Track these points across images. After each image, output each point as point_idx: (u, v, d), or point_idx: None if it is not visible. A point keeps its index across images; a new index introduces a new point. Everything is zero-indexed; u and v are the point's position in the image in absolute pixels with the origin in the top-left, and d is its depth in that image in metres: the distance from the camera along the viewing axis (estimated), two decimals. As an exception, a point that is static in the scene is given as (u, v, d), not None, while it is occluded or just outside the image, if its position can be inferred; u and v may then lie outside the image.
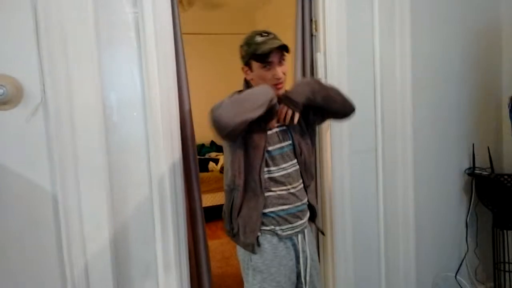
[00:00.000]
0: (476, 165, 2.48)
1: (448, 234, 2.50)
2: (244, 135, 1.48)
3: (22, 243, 1.57)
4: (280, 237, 1.54)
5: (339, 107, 1.63)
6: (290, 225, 1.56)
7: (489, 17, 2.52)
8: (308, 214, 1.66)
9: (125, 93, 1.71)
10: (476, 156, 2.48)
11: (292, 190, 1.56)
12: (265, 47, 1.48)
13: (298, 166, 1.61)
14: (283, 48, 1.52)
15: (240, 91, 1.57)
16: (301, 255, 1.59)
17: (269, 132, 1.54)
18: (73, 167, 1.59)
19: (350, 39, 2.10)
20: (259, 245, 1.53)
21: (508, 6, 2.52)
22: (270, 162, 1.54)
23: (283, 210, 1.54)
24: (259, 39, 1.51)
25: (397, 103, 2.21)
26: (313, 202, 1.68)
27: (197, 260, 2.01)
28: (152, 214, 1.76)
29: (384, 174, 2.24)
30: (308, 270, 1.61)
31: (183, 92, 1.89)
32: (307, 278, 1.61)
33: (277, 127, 1.57)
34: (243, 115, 1.36)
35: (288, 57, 1.58)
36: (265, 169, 1.53)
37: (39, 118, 1.56)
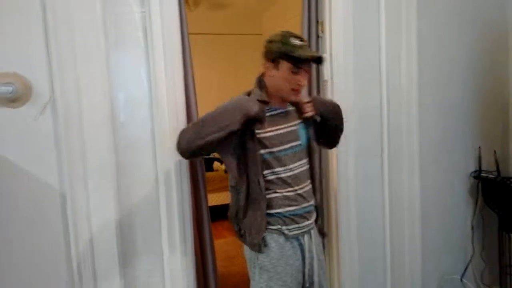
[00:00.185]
0: (483, 168, 2.46)
1: (454, 237, 2.48)
2: (238, 140, 1.49)
3: (30, 239, 1.58)
4: (286, 237, 1.55)
5: (338, 134, 1.79)
6: (296, 225, 1.56)
7: (497, 17, 2.50)
8: (315, 215, 1.66)
9: (133, 92, 1.72)
10: (482, 159, 2.47)
11: (299, 191, 1.56)
12: (304, 53, 1.48)
13: (307, 166, 1.62)
14: (320, 61, 1.53)
15: (249, 93, 1.57)
16: (307, 255, 1.59)
17: (276, 133, 1.54)
18: (81, 165, 1.60)
19: (357, 40, 2.10)
20: (265, 245, 1.53)
21: (516, 7, 2.51)
22: (275, 163, 1.53)
23: (289, 211, 1.54)
24: (296, 42, 1.49)
25: (403, 105, 2.20)
26: (318, 203, 1.69)
27: (203, 259, 2.02)
28: (159, 212, 1.77)
29: (389, 177, 2.24)
30: (315, 270, 1.62)
31: (190, 91, 1.89)
32: (315, 278, 1.62)
33: (286, 127, 1.57)
34: (202, 140, 1.40)
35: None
36: (269, 170, 1.53)
37: (47, 116, 1.57)
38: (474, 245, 2.50)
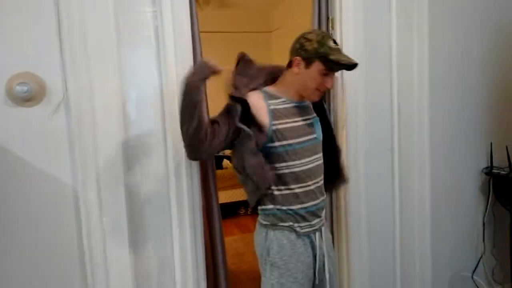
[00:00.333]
0: (494, 164, 2.45)
1: (465, 234, 2.47)
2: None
3: (44, 235, 1.61)
4: (298, 234, 1.56)
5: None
6: (308, 223, 1.57)
7: (510, 13, 2.48)
8: (325, 211, 1.67)
9: (144, 91, 1.74)
10: (494, 155, 2.45)
11: (312, 187, 1.56)
12: (342, 58, 1.48)
13: (321, 161, 1.62)
14: (352, 68, 1.53)
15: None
16: (318, 252, 1.60)
17: (293, 125, 1.54)
18: (93, 163, 1.62)
19: (367, 37, 2.09)
20: (278, 242, 1.54)
21: (529, 3, 2.48)
22: (290, 156, 1.52)
23: (301, 208, 1.55)
24: (333, 45, 1.49)
25: (414, 101, 2.19)
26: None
27: (213, 255, 2.03)
28: (169, 210, 1.78)
29: (400, 173, 2.23)
30: (326, 267, 1.62)
31: (200, 90, 1.90)
32: (326, 275, 1.62)
33: (303, 119, 1.58)
34: (187, 137, 1.50)
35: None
36: (284, 163, 1.52)
37: (61, 115, 1.59)
38: (485, 242, 2.49)
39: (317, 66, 1.49)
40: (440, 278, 2.39)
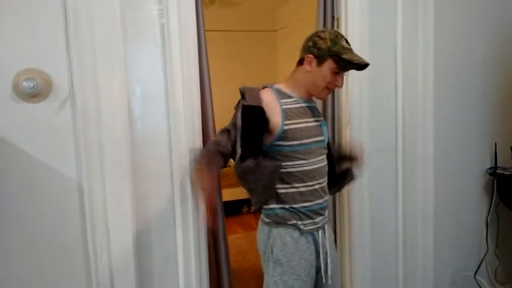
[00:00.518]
0: (498, 164, 2.45)
1: (468, 233, 2.47)
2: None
3: (49, 230, 1.62)
4: (301, 232, 1.56)
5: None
6: (311, 221, 1.57)
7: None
8: (327, 211, 1.67)
9: (149, 88, 1.75)
10: (498, 156, 2.45)
11: (316, 186, 1.57)
12: (355, 58, 1.49)
13: (326, 163, 1.63)
14: (362, 68, 1.54)
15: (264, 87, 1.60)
16: (321, 250, 1.61)
17: (305, 125, 1.55)
18: (99, 159, 1.63)
19: (372, 36, 2.09)
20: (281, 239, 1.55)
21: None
22: (300, 155, 1.53)
23: (305, 206, 1.55)
24: (345, 44, 1.51)
25: (419, 101, 2.19)
26: None
27: (216, 253, 2.05)
28: (173, 206, 1.79)
29: (403, 173, 2.23)
30: (328, 265, 1.63)
31: (205, 87, 1.91)
32: (328, 273, 1.63)
33: (314, 120, 1.59)
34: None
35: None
36: (291, 162, 1.53)
37: (66, 111, 1.60)
38: (488, 242, 2.49)
39: (329, 64, 1.50)
40: (442, 277, 2.39)
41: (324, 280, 1.62)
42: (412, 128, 2.21)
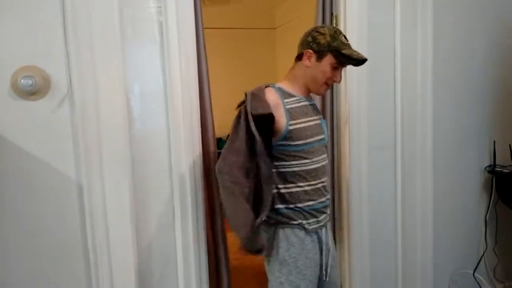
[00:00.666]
0: (497, 162, 2.45)
1: (467, 231, 2.47)
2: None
3: (48, 229, 1.62)
4: (306, 231, 1.55)
5: None
6: (316, 219, 1.57)
7: (513, 12, 2.47)
8: (330, 208, 1.67)
9: (148, 86, 1.75)
10: (497, 153, 2.45)
11: (319, 185, 1.57)
12: (354, 53, 1.50)
13: (327, 161, 1.63)
14: (360, 63, 1.55)
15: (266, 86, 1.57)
16: (324, 248, 1.61)
17: (309, 124, 1.54)
18: (98, 157, 1.63)
19: (371, 33, 2.09)
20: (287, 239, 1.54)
21: (534, 1, 2.47)
22: (304, 154, 1.52)
23: (309, 205, 1.55)
24: (344, 40, 1.52)
25: (417, 99, 2.19)
26: None
27: (215, 250, 2.05)
28: (172, 204, 1.79)
29: (402, 170, 2.23)
30: (329, 262, 1.63)
31: (204, 85, 1.91)
32: (328, 271, 1.63)
33: (315, 119, 1.58)
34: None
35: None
36: (296, 161, 1.52)
37: (65, 109, 1.60)
38: (487, 240, 2.49)
39: (329, 59, 1.51)
40: (442, 275, 2.39)
41: (324, 277, 1.63)
42: (411, 126, 2.20)
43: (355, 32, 2.04)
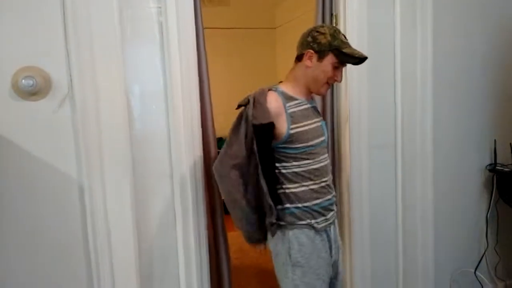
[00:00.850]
0: (498, 161, 2.44)
1: (468, 230, 2.47)
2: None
3: (49, 228, 1.63)
4: (316, 230, 1.55)
5: None
6: (324, 218, 1.57)
7: (513, 11, 2.47)
8: (335, 206, 1.68)
9: (148, 86, 1.75)
10: (498, 152, 2.44)
11: (323, 184, 1.57)
12: (355, 52, 1.50)
13: (329, 160, 1.64)
14: (360, 62, 1.55)
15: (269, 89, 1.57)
16: (333, 246, 1.62)
17: (311, 127, 1.54)
18: (98, 157, 1.63)
19: (371, 33, 2.09)
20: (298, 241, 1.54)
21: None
22: (306, 156, 1.53)
23: (316, 204, 1.55)
24: (344, 39, 1.52)
25: (418, 97, 2.19)
26: None
27: (216, 250, 2.05)
28: (173, 204, 1.80)
29: (403, 169, 2.23)
30: (340, 259, 1.66)
31: (204, 85, 1.91)
32: (339, 268, 1.65)
33: (317, 121, 1.59)
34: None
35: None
36: (298, 163, 1.53)
37: (66, 109, 1.61)
38: (488, 239, 2.49)
39: (330, 59, 1.51)
40: (443, 274, 2.39)
41: (337, 277, 1.65)
42: (411, 125, 2.20)
43: (354, 31, 2.04)
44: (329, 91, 2.10)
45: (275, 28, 5.33)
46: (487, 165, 2.47)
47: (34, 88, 1.52)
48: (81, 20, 1.56)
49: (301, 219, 1.54)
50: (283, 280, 1.57)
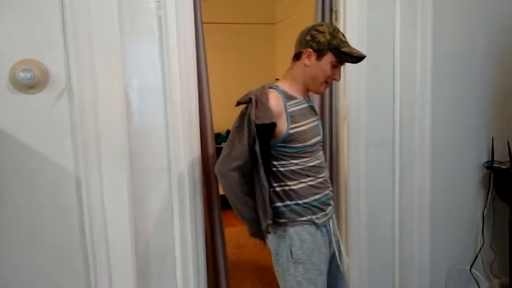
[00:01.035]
0: (495, 158, 2.45)
1: (464, 227, 2.49)
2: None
3: (46, 223, 1.62)
4: (317, 226, 1.55)
5: None
6: (323, 213, 1.58)
7: (512, 9, 2.47)
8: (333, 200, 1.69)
9: (147, 81, 1.74)
10: (495, 150, 2.45)
11: (320, 179, 1.58)
12: (354, 51, 1.50)
13: (323, 157, 1.64)
14: (359, 61, 1.55)
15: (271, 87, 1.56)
16: (333, 239, 1.62)
17: (309, 126, 1.55)
18: (96, 151, 1.63)
19: (371, 29, 2.09)
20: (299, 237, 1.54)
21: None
22: (305, 154, 1.53)
23: (316, 199, 1.55)
24: (343, 37, 1.52)
25: (416, 95, 2.19)
26: None
27: (213, 245, 2.05)
28: (171, 199, 1.80)
29: (400, 166, 2.24)
30: (342, 252, 1.67)
31: (203, 80, 1.90)
32: (343, 260, 1.66)
33: (314, 120, 1.59)
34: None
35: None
36: (296, 161, 1.53)
37: (63, 103, 1.60)
38: (484, 236, 2.50)
39: (329, 58, 1.50)
40: (439, 270, 2.40)
41: (340, 268, 1.66)
42: (410, 122, 2.21)
43: (354, 28, 2.04)
44: (327, 89, 2.09)
45: (274, 24, 5.31)
46: (485, 163, 2.48)
47: (32, 81, 1.51)
48: (80, 14, 1.55)
49: (302, 216, 1.54)
50: (284, 277, 1.57)
